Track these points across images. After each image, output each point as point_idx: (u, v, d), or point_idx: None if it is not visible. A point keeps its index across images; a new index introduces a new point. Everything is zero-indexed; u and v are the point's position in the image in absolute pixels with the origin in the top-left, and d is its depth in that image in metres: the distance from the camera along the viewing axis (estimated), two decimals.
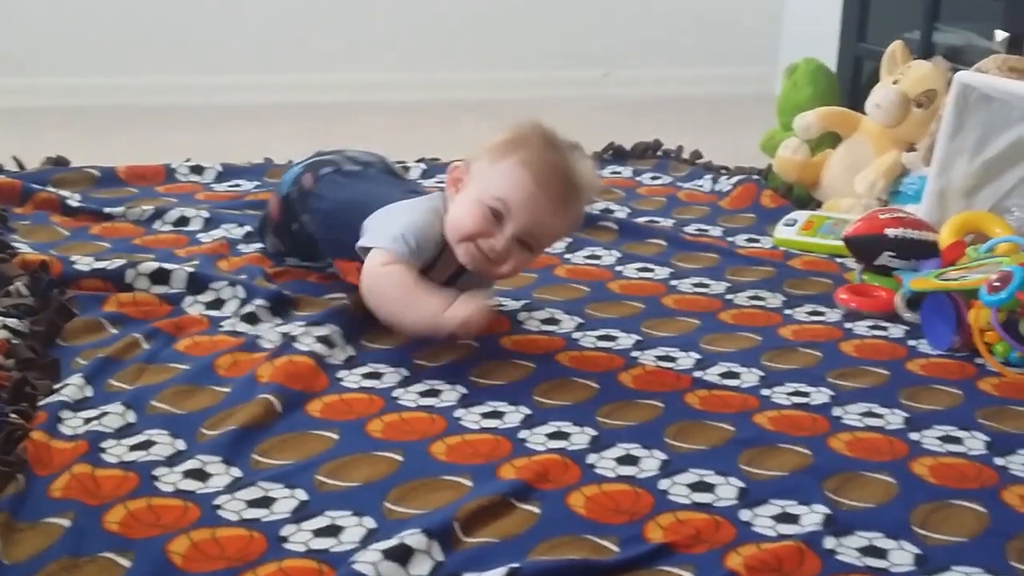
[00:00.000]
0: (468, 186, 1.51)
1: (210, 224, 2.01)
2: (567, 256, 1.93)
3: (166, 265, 1.71)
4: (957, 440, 1.32)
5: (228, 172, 2.38)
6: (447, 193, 1.56)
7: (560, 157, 1.50)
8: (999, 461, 1.27)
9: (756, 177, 2.41)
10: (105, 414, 1.29)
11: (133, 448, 1.23)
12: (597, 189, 1.52)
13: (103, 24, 3.23)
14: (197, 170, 2.37)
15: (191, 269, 1.71)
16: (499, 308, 1.65)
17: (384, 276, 1.46)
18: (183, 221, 2.02)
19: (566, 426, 1.32)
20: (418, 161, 2.50)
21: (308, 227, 1.69)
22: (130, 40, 3.25)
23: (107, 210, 2.06)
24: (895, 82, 2.22)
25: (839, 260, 1.97)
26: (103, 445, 1.23)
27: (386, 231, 1.49)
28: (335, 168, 1.71)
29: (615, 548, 1.08)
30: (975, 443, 1.31)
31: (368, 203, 1.57)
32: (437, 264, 1.55)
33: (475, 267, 1.51)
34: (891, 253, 1.78)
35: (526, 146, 1.49)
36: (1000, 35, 2.23)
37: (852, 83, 2.75)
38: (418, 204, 1.56)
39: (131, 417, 1.30)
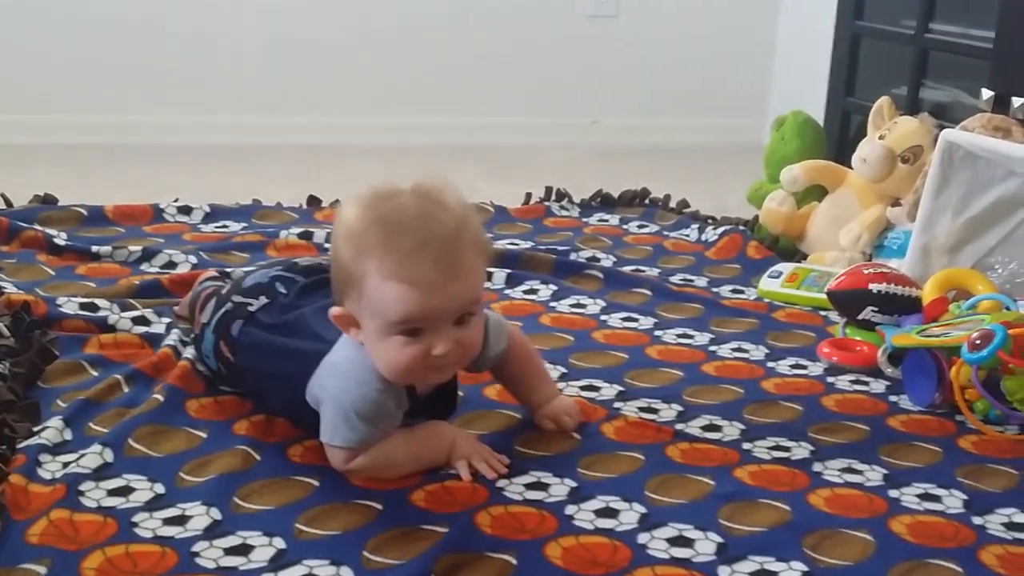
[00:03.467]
0: (362, 322, 1.25)
1: (198, 269, 2.00)
2: (552, 304, 1.94)
3: (148, 313, 1.72)
4: (936, 498, 1.32)
5: (216, 213, 2.39)
6: (351, 337, 1.29)
7: (407, 228, 1.20)
8: (977, 520, 1.27)
9: (742, 228, 2.42)
10: (83, 456, 1.29)
11: (112, 493, 1.23)
12: (464, 204, 1.26)
13: (92, 62, 3.24)
14: (185, 210, 2.38)
15: (170, 317, 1.72)
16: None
17: (361, 470, 1.29)
18: (171, 265, 2.03)
19: (546, 476, 1.32)
20: None
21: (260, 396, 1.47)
22: (119, 78, 3.27)
23: (94, 249, 2.07)
24: (881, 137, 2.24)
25: (823, 313, 1.98)
26: (82, 488, 1.23)
27: (334, 418, 1.27)
28: (243, 319, 1.44)
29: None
30: (953, 501, 1.31)
31: (295, 367, 1.33)
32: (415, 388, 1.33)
33: (445, 377, 1.32)
34: (874, 308, 1.79)
35: (371, 251, 1.21)
36: (986, 93, 2.25)
37: (839, 137, 2.78)
38: (343, 365, 1.29)
39: (109, 457, 1.30)
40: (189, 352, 1.59)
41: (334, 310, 1.27)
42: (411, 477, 1.30)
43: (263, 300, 1.46)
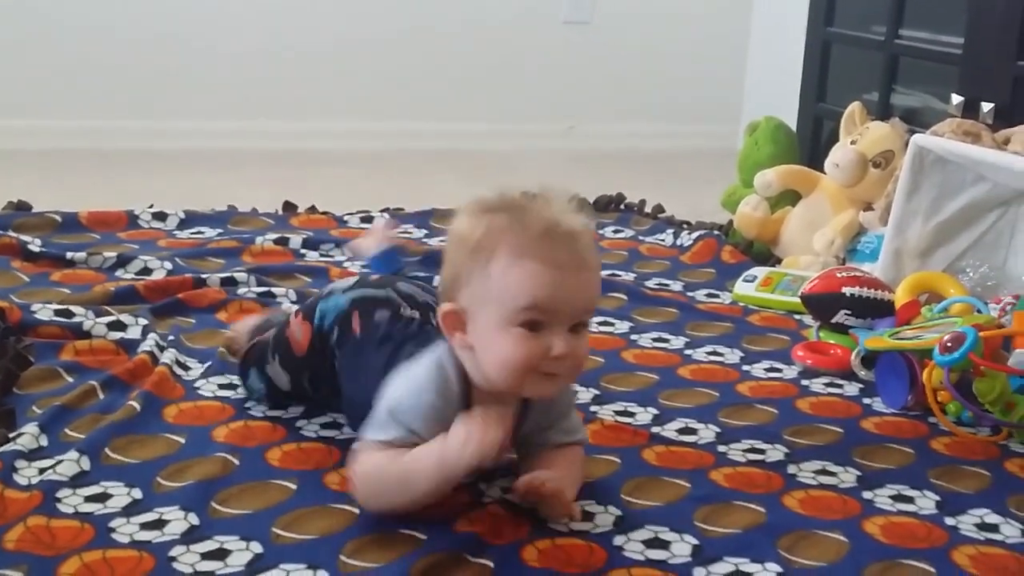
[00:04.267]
0: (475, 318, 1.18)
1: (173, 275, 2.00)
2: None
3: (124, 318, 1.72)
4: (909, 499, 1.33)
5: (191, 219, 2.38)
6: (451, 343, 1.22)
7: (537, 216, 1.17)
8: (949, 521, 1.28)
9: (717, 233, 2.44)
10: (60, 462, 1.29)
11: (89, 499, 1.23)
12: (583, 215, 1.21)
13: (67, 68, 3.23)
14: (160, 216, 2.37)
15: (146, 321, 1.72)
16: None
17: (364, 479, 1.21)
18: (146, 271, 2.02)
19: None
20: (382, 211, 2.51)
21: (340, 377, 1.40)
22: (94, 84, 3.26)
23: (69, 256, 2.06)
24: (853, 142, 2.26)
25: (797, 317, 1.99)
26: (58, 495, 1.23)
27: (377, 412, 1.23)
28: (392, 312, 1.37)
29: None
30: (926, 502, 1.33)
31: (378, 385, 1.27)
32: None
33: (551, 392, 1.22)
34: (847, 311, 1.81)
35: (501, 231, 1.17)
36: (956, 99, 2.28)
37: (812, 142, 2.79)
38: (414, 368, 1.24)
39: (86, 465, 1.29)
40: (167, 357, 1.59)
41: (444, 306, 1.20)
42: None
43: (415, 313, 1.37)
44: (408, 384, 1.22)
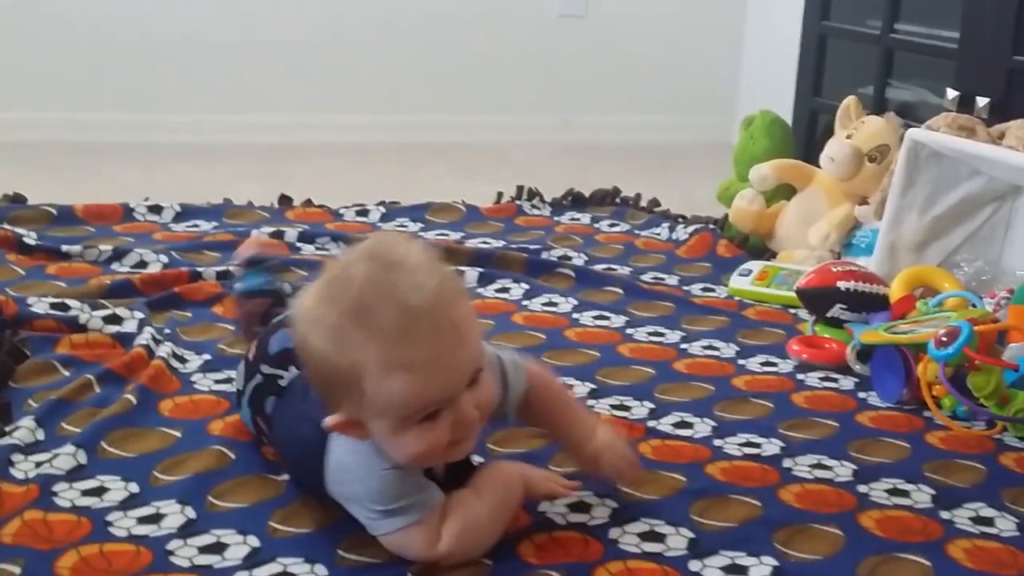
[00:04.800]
0: (368, 425, 1.10)
1: (169, 268, 2.00)
2: (524, 303, 1.95)
3: (120, 311, 1.73)
4: (904, 493, 1.33)
5: (186, 212, 2.38)
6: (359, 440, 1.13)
7: (388, 311, 1.03)
8: (944, 514, 1.29)
9: (712, 226, 2.44)
10: (57, 456, 1.29)
11: (85, 493, 1.23)
12: (424, 256, 1.08)
13: (61, 60, 3.22)
14: (155, 210, 2.37)
15: (142, 315, 1.72)
16: None
17: (453, 547, 1.13)
18: (142, 264, 2.02)
19: None
20: (377, 204, 2.51)
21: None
22: (88, 77, 3.25)
23: (64, 249, 2.06)
24: (849, 136, 2.27)
25: (792, 311, 1.99)
26: (55, 489, 1.23)
27: (366, 515, 1.14)
28: (275, 395, 1.28)
29: None
30: (921, 496, 1.33)
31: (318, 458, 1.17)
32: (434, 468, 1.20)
33: (471, 447, 1.16)
34: (843, 305, 1.81)
35: (358, 347, 1.04)
36: (951, 93, 2.28)
37: (807, 136, 2.80)
38: (346, 458, 1.15)
39: (82, 458, 1.30)
40: (163, 351, 1.59)
41: (329, 420, 1.10)
42: None
43: (293, 371, 1.26)
44: (356, 474, 1.13)
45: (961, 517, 1.28)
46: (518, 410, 1.27)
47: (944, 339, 1.52)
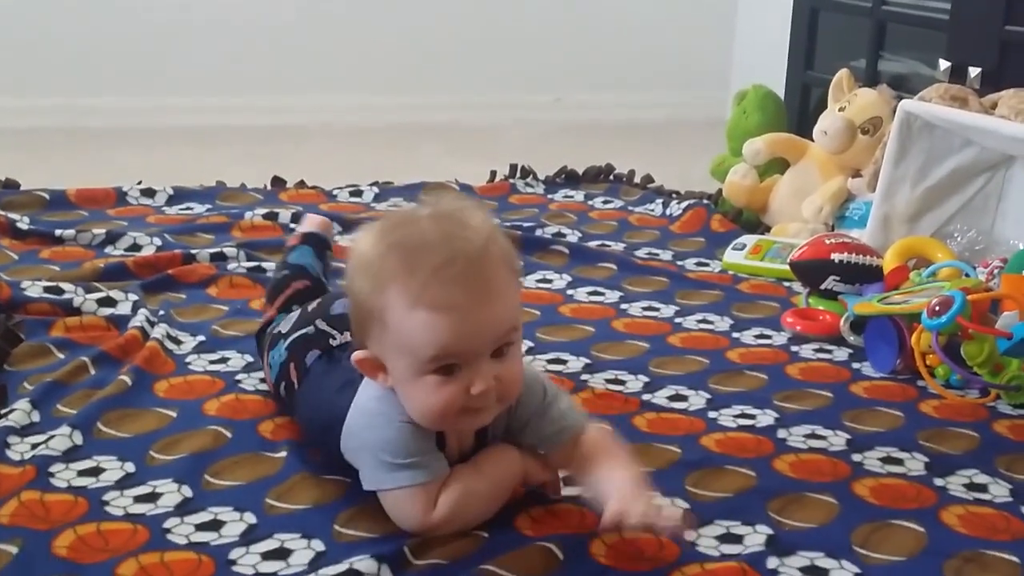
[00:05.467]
0: (388, 365, 1.12)
1: (163, 251, 2.00)
2: (518, 280, 1.95)
3: (114, 294, 1.73)
4: (898, 461, 1.34)
5: (180, 195, 2.38)
6: (377, 382, 1.15)
7: (426, 252, 1.06)
8: (938, 482, 1.29)
9: (706, 202, 2.44)
10: (52, 437, 1.29)
11: (82, 473, 1.23)
12: (488, 222, 1.12)
13: (51, 46, 3.21)
14: (148, 193, 2.37)
15: (136, 297, 1.73)
16: None
17: (447, 515, 1.13)
18: (135, 247, 2.02)
19: None
20: (371, 184, 2.50)
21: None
22: (79, 61, 3.24)
23: (58, 233, 2.06)
24: (841, 109, 2.26)
25: (786, 284, 2.00)
26: (51, 470, 1.23)
27: (371, 465, 1.15)
28: (321, 349, 1.31)
29: (560, 556, 1.10)
30: (915, 464, 1.34)
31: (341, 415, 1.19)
32: (447, 445, 1.18)
33: (485, 420, 1.15)
34: (836, 277, 1.82)
35: (388, 279, 1.07)
36: (943, 64, 2.28)
37: (800, 110, 2.79)
38: (369, 403, 1.17)
39: (78, 439, 1.30)
40: (157, 332, 1.59)
41: (357, 354, 1.13)
42: None
43: (347, 336, 1.28)
44: (375, 420, 1.14)
45: (955, 484, 1.29)
46: (559, 449, 1.20)
47: (937, 308, 1.52)
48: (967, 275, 1.73)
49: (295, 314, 1.40)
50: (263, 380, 1.48)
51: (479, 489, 1.15)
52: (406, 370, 1.09)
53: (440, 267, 1.05)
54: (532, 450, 1.20)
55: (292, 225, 2.21)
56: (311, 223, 1.71)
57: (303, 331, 1.34)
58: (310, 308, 1.39)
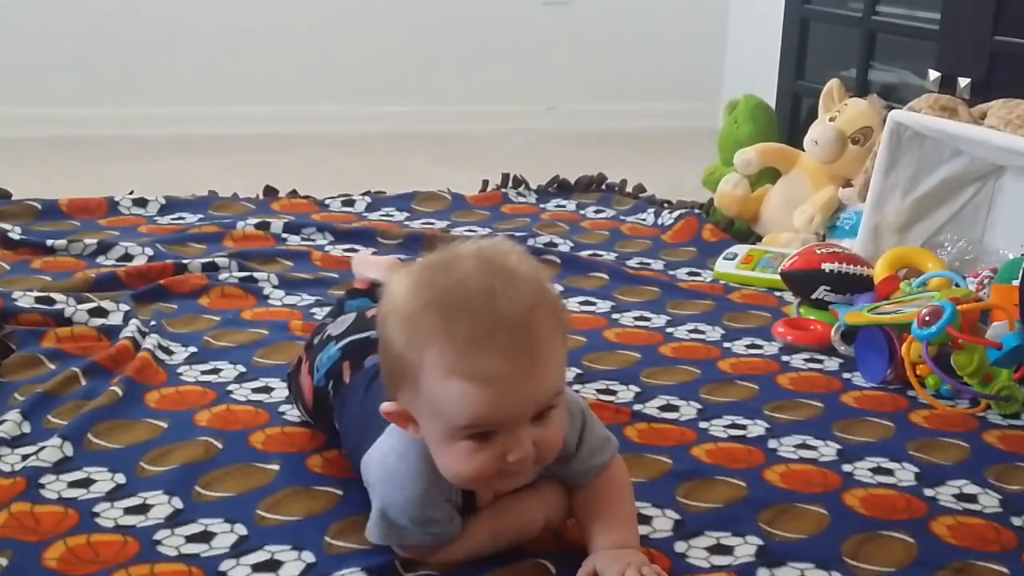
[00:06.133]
0: (420, 421, 1.04)
1: (154, 261, 2.00)
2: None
3: (105, 304, 1.73)
4: (888, 472, 1.34)
5: (171, 205, 2.38)
6: (410, 434, 1.07)
7: (467, 315, 0.98)
8: (928, 492, 1.29)
9: (697, 211, 2.45)
10: (43, 448, 1.29)
11: (72, 484, 1.23)
12: (537, 272, 1.04)
13: (40, 54, 3.21)
14: (140, 203, 2.37)
15: (127, 307, 1.73)
16: None
17: (444, 562, 1.11)
18: (127, 258, 2.02)
19: None
20: (363, 194, 2.50)
21: (340, 432, 1.28)
22: (71, 71, 3.24)
23: (49, 243, 2.06)
24: (832, 119, 2.27)
25: (777, 294, 2.00)
26: (42, 481, 1.23)
27: (375, 515, 1.10)
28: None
29: (552, 569, 1.11)
30: (905, 474, 1.34)
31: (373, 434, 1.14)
32: (478, 496, 1.13)
33: (521, 483, 1.10)
34: (827, 287, 1.82)
35: (426, 340, 0.99)
36: (933, 74, 2.29)
37: (791, 120, 2.80)
38: (390, 458, 1.09)
39: (68, 450, 1.30)
40: (148, 342, 1.59)
41: (386, 406, 1.05)
42: None
43: None
44: (391, 482, 1.08)
45: (945, 494, 1.29)
46: (581, 483, 1.15)
47: (927, 319, 1.53)
48: (957, 285, 1.73)
49: (348, 316, 1.35)
50: (255, 391, 1.48)
51: (484, 547, 1.11)
52: (439, 433, 1.02)
53: (482, 336, 0.97)
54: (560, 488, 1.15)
55: (284, 235, 2.21)
56: (367, 271, 1.61)
57: (363, 335, 1.27)
58: (368, 314, 1.30)
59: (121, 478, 1.26)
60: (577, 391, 1.53)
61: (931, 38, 2.35)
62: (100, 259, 2.03)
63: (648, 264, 2.17)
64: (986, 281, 1.73)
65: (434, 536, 1.09)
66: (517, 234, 2.26)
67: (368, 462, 1.11)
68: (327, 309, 1.63)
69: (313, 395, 1.31)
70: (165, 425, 1.39)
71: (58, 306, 1.72)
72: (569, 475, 1.15)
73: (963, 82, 2.21)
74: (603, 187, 2.69)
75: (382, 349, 1.05)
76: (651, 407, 1.50)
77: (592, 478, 1.14)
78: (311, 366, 1.32)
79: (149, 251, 2.04)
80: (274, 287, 1.89)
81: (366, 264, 1.68)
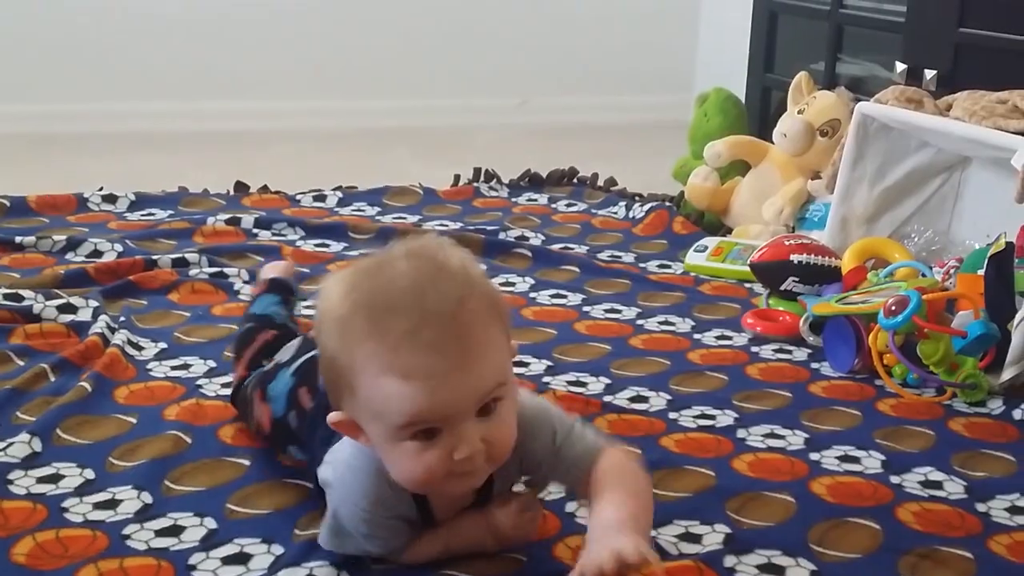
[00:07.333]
0: (365, 427, 1.02)
1: (124, 257, 1.99)
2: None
3: (74, 300, 1.73)
4: (855, 459, 1.36)
5: (141, 201, 2.37)
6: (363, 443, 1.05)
7: (396, 311, 0.97)
8: (894, 479, 1.31)
9: (668, 204, 2.46)
10: (11, 444, 1.29)
11: (41, 480, 1.23)
12: (469, 264, 1.03)
13: (8, 50, 3.19)
14: (110, 199, 2.36)
15: (97, 303, 1.72)
16: None
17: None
18: (96, 254, 2.01)
19: None
20: (335, 189, 2.50)
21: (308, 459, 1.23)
22: (37, 67, 3.22)
23: (18, 240, 2.05)
24: (801, 112, 2.28)
25: (747, 285, 2.01)
26: (10, 477, 1.23)
27: (328, 520, 1.10)
28: None
29: (523, 559, 1.12)
30: (872, 462, 1.35)
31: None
32: (433, 507, 1.10)
33: (476, 483, 1.06)
34: (795, 278, 1.83)
35: (355, 342, 0.98)
36: (899, 66, 2.30)
37: (760, 112, 2.81)
38: (343, 466, 1.08)
39: (37, 446, 1.29)
40: (118, 338, 1.59)
41: (333, 416, 1.03)
42: None
43: None
44: (342, 490, 1.08)
45: (911, 481, 1.31)
46: (579, 484, 1.11)
47: (893, 308, 1.54)
48: (924, 275, 1.75)
49: (295, 342, 1.33)
50: (225, 386, 1.48)
51: (431, 555, 1.11)
52: (383, 435, 1.00)
53: (410, 331, 0.95)
54: (508, 503, 1.13)
55: (255, 231, 2.21)
56: (273, 269, 1.63)
57: (312, 354, 1.22)
58: (311, 334, 1.26)
59: (90, 473, 1.25)
60: (547, 383, 1.54)
61: (898, 31, 2.36)
62: (69, 255, 2.02)
63: (619, 257, 2.18)
64: (952, 271, 1.75)
65: (379, 548, 1.08)
66: (489, 227, 2.27)
67: (324, 468, 1.11)
68: None
69: (272, 425, 1.27)
70: (134, 420, 1.39)
71: (27, 303, 1.72)
72: (557, 475, 1.12)
73: (929, 74, 2.23)
74: (575, 181, 2.69)
75: (320, 356, 1.04)
76: (621, 398, 1.51)
77: (582, 475, 1.10)
78: (264, 395, 1.29)
79: (119, 247, 2.04)
80: (244, 282, 1.89)
81: (267, 268, 1.66)
